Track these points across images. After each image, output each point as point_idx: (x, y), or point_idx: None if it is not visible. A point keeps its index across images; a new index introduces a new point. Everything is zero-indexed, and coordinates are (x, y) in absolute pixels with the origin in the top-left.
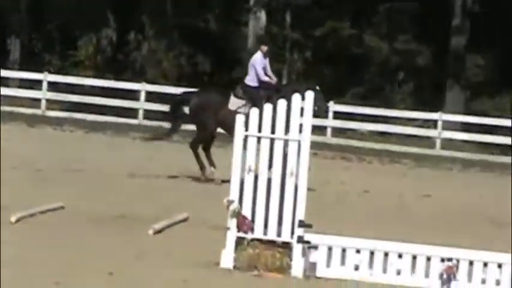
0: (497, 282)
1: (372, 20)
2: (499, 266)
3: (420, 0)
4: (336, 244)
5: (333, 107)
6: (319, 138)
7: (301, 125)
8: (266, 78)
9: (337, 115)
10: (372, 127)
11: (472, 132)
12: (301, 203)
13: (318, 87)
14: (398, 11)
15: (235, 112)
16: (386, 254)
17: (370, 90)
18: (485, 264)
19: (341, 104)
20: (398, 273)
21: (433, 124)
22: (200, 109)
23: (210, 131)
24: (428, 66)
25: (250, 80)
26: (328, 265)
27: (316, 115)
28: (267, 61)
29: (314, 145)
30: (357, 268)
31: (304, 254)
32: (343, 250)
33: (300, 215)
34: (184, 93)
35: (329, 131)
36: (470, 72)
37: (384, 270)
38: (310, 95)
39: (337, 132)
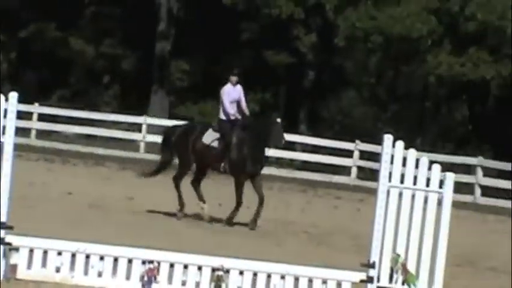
0: (197, 284)
1: (78, 23)
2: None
3: (126, 5)
4: (37, 246)
5: (38, 109)
6: (23, 140)
7: (4, 127)
8: (232, 111)
9: (42, 117)
10: (77, 130)
11: None
12: (3, 205)
13: (279, 120)
14: (105, 15)
15: (208, 146)
16: (87, 256)
17: (76, 93)
18: (186, 267)
19: (46, 106)
20: (100, 275)
21: (137, 128)
22: (178, 143)
23: (187, 165)
24: (134, 71)
25: (221, 113)
26: (29, 267)
27: (273, 144)
28: (239, 92)
29: (18, 147)
30: (58, 270)
31: (5, 255)
32: (45, 252)
33: (2, 216)
34: (172, 126)
35: (33, 133)
36: (174, 77)
37: (85, 272)
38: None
39: (42, 134)
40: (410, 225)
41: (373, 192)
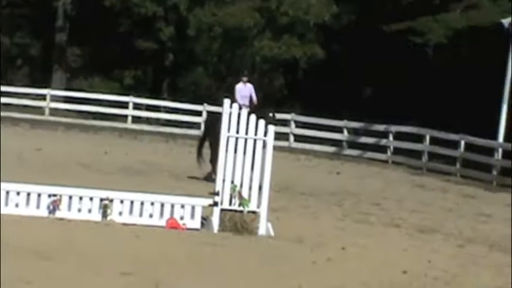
0: (89, 211)
1: None
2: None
3: (33, 7)
4: None
5: None
6: None
7: None
8: (241, 102)
9: None
10: None
11: (75, 103)
12: None
13: (271, 114)
14: (18, 14)
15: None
16: (8, 192)
17: None
18: (81, 198)
19: None
20: (17, 206)
21: (43, 97)
22: (209, 128)
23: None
24: (39, 55)
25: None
26: None
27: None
28: (250, 89)
29: None
30: None
31: None
32: None
33: None
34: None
35: None
36: (70, 60)
37: (6, 204)
38: None
39: None
40: (244, 163)
41: None
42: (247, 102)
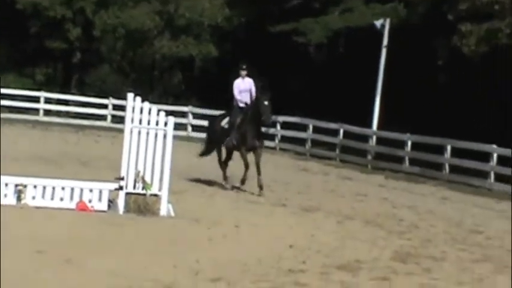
0: (6, 196)
1: None
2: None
3: None
4: None
5: None
6: None
7: None
8: (238, 97)
9: None
10: None
11: None
12: None
13: (266, 102)
14: None
15: (223, 127)
16: None
17: None
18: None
19: None
20: None
21: None
22: (210, 126)
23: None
24: None
25: (234, 101)
26: None
27: (264, 121)
28: (250, 83)
29: None
30: None
31: None
32: None
33: None
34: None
35: None
36: None
37: None
38: None
39: None
40: (146, 151)
41: (122, 131)
42: (247, 98)
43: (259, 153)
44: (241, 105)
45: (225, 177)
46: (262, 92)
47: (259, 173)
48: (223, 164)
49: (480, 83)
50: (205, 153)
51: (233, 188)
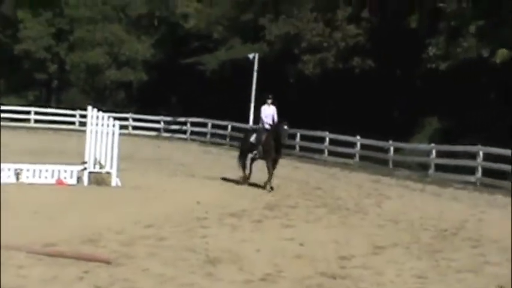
0: (8, 176)
1: None
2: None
3: None
4: None
5: None
6: None
7: None
8: (264, 120)
9: None
10: None
11: None
12: None
13: (286, 127)
14: None
15: (251, 142)
16: None
17: None
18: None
19: None
20: None
21: None
22: (243, 140)
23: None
24: None
25: (260, 122)
26: None
27: (283, 140)
28: (273, 110)
29: None
30: None
31: None
32: None
33: None
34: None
35: None
36: None
37: None
38: None
39: None
40: (101, 144)
41: (85, 131)
42: (269, 120)
43: (277, 162)
44: (267, 126)
45: (244, 178)
46: (281, 119)
47: (270, 177)
48: (245, 169)
49: (318, 96)
50: (240, 159)
51: (239, 183)
